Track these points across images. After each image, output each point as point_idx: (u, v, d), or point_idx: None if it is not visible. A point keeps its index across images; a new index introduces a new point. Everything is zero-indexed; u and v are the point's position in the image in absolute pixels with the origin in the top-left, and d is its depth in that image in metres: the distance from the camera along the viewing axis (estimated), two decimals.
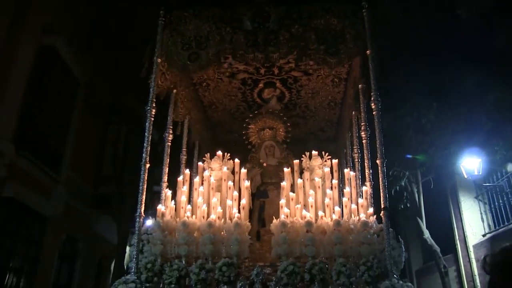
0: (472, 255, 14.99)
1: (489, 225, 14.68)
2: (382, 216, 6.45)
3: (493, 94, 11.43)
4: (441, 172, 14.70)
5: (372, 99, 6.90)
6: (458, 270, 15.46)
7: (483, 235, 14.74)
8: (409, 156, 13.45)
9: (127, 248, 7.23)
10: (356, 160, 8.36)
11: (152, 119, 7.10)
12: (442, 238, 15.05)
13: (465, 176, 13.84)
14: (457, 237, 15.48)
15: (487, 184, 14.27)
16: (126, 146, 14.95)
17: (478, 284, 14.63)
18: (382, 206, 6.51)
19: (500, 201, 13.83)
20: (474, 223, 15.09)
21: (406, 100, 12.57)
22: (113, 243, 15.64)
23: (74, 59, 12.18)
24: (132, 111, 14.56)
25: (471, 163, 13.46)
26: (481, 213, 14.98)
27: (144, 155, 6.96)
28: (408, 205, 14.60)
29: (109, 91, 14.00)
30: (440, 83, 12.18)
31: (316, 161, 8.23)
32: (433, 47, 11.66)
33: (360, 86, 7.64)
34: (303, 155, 8.33)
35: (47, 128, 11.57)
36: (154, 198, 11.76)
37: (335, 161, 8.07)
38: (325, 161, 8.24)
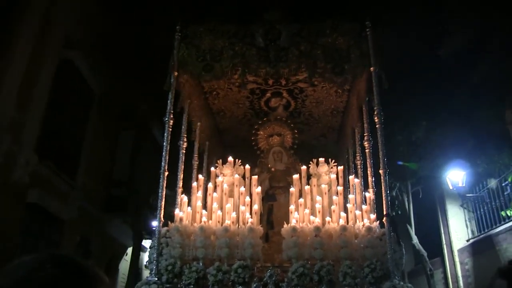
0: (456, 259, 15.17)
1: (472, 231, 14.84)
2: (385, 222, 6.51)
3: (476, 114, 11.62)
4: (429, 183, 14.98)
5: (375, 113, 6.93)
6: (444, 272, 15.60)
7: (467, 240, 14.89)
8: (400, 163, 13.62)
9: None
10: (359, 167, 8.34)
11: (170, 129, 7.07)
12: (430, 243, 15.27)
13: (450, 187, 14.09)
14: (444, 242, 15.64)
15: (470, 195, 14.47)
16: (138, 151, 14.94)
17: (462, 285, 14.78)
18: (385, 213, 6.57)
19: (482, 210, 14.01)
20: (459, 229, 15.28)
21: (399, 117, 12.75)
22: (122, 244, 15.64)
23: (90, 71, 12.17)
24: (143, 118, 14.59)
25: (456, 175, 13.70)
26: (465, 220, 15.19)
27: (162, 163, 6.86)
28: (400, 212, 14.78)
29: (122, 99, 14.01)
30: (430, 102, 12.39)
31: (323, 168, 8.19)
32: (425, 70, 11.86)
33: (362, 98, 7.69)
34: (310, 162, 8.29)
35: (65, 137, 11.64)
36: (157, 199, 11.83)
37: (340, 167, 8.11)
38: (331, 167, 8.21)
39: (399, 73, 11.11)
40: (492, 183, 13.39)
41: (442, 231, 15.74)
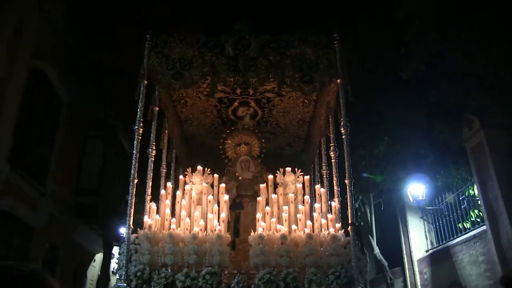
0: (416, 268, 15.31)
1: (431, 242, 14.98)
2: (350, 231, 6.51)
3: (436, 130, 11.80)
4: (391, 196, 15.14)
5: (341, 124, 6.92)
6: (404, 281, 15.72)
7: (426, 251, 15.03)
8: (364, 175, 13.74)
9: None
10: (325, 176, 8.35)
11: (140, 137, 6.94)
12: (392, 253, 15.45)
13: (411, 200, 14.29)
14: (404, 252, 15.78)
15: (429, 207, 14.65)
16: (106, 159, 14.70)
17: None
18: (350, 222, 6.56)
19: (440, 222, 14.19)
20: (419, 240, 15.43)
21: (362, 132, 12.89)
22: (89, 251, 15.41)
23: (59, 81, 12.03)
24: (112, 126, 14.41)
25: (416, 189, 13.88)
26: (425, 232, 15.34)
27: (132, 171, 6.74)
28: (362, 223, 14.87)
29: (91, 107, 13.92)
30: (392, 119, 12.56)
31: (290, 177, 8.12)
32: (386, 88, 12.04)
33: (330, 109, 7.67)
34: (277, 171, 8.20)
35: (35, 145, 11.46)
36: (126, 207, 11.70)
37: (306, 177, 8.06)
38: (298, 177, 8.14)
39: (362, 90, 11.25)
40: (450, 196, 13.55)
41: (403, 242, 15.90)
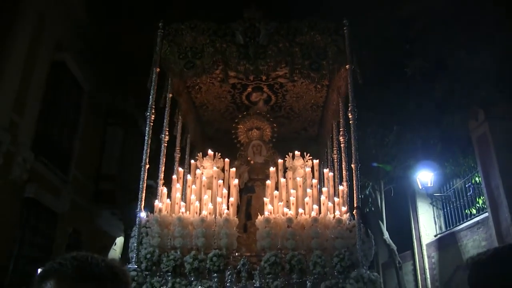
0: (424, 252, 15.15)
1: (440, 227, 14.82)
2: (355, 214, 6.36)
3: (444, 119, 11.67)
4: (401, 182, 14.94)
5: (349, 109, 6.77)
6: (414, 264, 15.60)
7: (435, 236, 14.88)
8: (374, 164, 13.60)
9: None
10: (335, 160, 8.19)
11: (152, 124, 6.87)
12: (402, 237, 15.34)
13: (420, 187, 14.10)
14: (414, 237, 15.63)
15: (437, 194, 14.51)
16: (127, 146, 14.71)
17: (428, 276, 14.78)
18: (355, 205, 6.41)
19: (448, 208, 14.02)
20: (428, 225, 15.24)
21: (372, 122, 12.76)
22: (111, 235, 15.45)
23: (80, 71, 12.07)
24: (129, 113, 14.38)
25: (425, 176, 13.68)
26: (434, 217, 15.17)
27: (144, 156, 6.68)
28: (373, 209, 14.74)
29: (111, 96, 13.99)
30: (401, 108, 12.42)
31: (298, 161, 7.94)
32: (396, 79, 11.92)
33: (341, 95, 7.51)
34: (286, 155, 8.05)
35: (58, 134, 11.60)
36: (146, 191, 11.69)
37: (316, 161, 7.85)
38: (307, 161, 7.97)
39: (372, 81, 11.12)
40: (458, 183, 13.37)
41: (413, 227, 15.75)
